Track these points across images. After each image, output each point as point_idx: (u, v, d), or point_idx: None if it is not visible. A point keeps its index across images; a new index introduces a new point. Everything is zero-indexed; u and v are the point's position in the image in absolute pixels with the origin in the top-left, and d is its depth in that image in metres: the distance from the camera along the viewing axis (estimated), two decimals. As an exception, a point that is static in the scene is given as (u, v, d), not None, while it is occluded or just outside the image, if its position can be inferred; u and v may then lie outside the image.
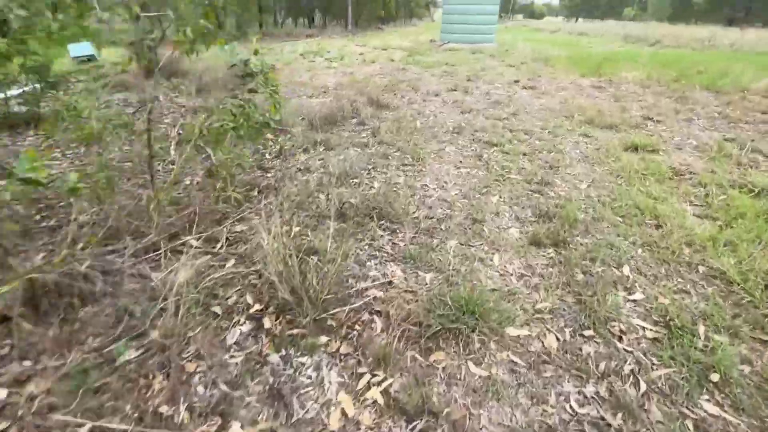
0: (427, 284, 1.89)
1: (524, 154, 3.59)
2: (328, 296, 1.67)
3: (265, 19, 27.17)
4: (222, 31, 2.03)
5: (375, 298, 1.77)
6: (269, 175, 3.12)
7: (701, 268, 2.04)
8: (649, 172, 3.16)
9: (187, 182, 2.81)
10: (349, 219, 2.40)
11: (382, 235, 2.29)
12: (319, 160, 3.41)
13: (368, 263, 2.05)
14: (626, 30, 23.52)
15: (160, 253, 1.89)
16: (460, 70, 8.52)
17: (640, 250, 2.18)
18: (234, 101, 2.45)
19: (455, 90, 6.42)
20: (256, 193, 2.79)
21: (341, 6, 27.88)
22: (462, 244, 2.23)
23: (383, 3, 33.16)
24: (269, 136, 3.96)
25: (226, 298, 1.74)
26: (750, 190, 2.86)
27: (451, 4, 15.64)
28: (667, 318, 1.68)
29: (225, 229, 2.20)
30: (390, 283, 1.88)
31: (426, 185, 2.98)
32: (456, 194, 2.83)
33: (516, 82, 7.12)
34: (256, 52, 2.46)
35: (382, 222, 2.41)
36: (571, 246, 2.20)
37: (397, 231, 2.35)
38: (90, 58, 8.87)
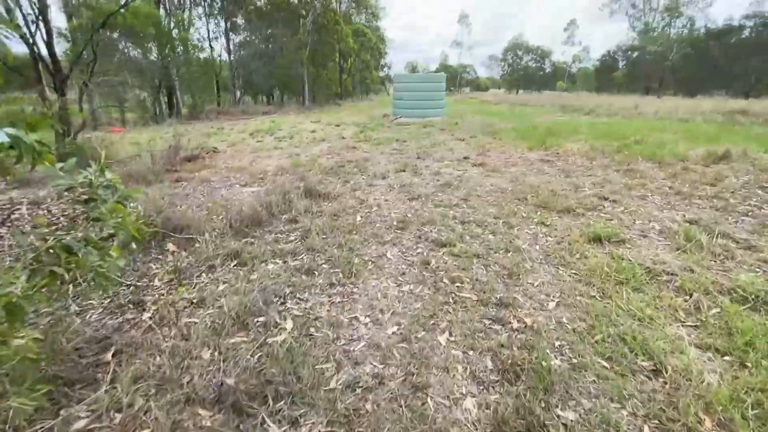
0: None
1: (478, 257, 3.03)
2: None
3: (223, 98, 27.70)
4: (47, 147, 1.36)
5: None
6: (145, 316, 2.31)
7: (739, 464, 1.39)
8: (623, 277, 2.66)
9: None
10: (229, 408, 1.61)
11: (274, 437, 1.51)
12: (223, 283, 2.66)
13: None
14: (562, 100, 25.98)
15: None
16: (411, 146, 8.40)
17: (647, 430, 1.53)
18: (69, 236, 1.72)
19: (404, 170, 6.08)
20: (110, 356, 1.95)
21: (298, 84, 29.13)
22: (395, 443, 1.48)
23: (340, 80, 35.24)
24: (170, 247, 3.20)
25: None
26: (743, 298, 2.40)
27: (401, 82, 16.52)
28: None
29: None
30: None
31: (356, 319, 2.28)
32: (393, 333, 2.13)
33: (466, 158, 6.96)
34: (102, 170, 1.81)
35: (280, 405, 1.64)
36: None
37: (300, 421, 1.58)
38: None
